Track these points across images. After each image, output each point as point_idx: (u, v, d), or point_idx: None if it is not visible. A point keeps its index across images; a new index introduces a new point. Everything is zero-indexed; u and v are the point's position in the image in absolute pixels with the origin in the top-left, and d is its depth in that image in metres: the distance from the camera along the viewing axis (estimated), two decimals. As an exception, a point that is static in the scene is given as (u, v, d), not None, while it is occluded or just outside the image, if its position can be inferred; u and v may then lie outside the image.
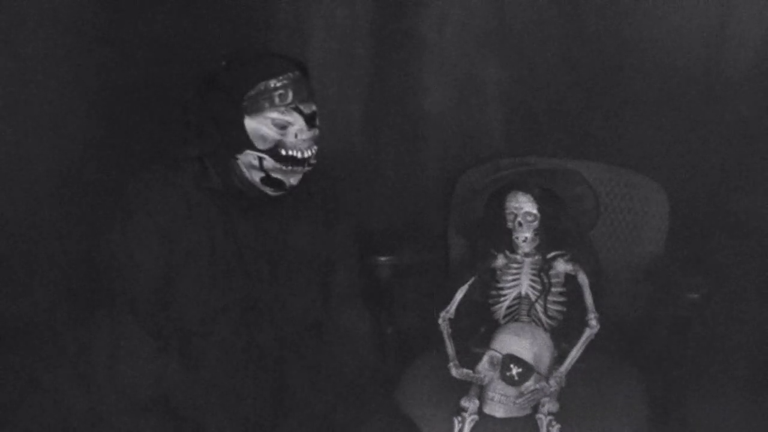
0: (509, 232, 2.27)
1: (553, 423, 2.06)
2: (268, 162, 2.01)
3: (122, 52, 2.58)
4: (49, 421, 2.58)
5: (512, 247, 2.28)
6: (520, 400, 2.08)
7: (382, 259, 2.46)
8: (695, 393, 2.39)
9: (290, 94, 2.00)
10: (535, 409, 2.09)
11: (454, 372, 2.15)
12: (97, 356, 2.06)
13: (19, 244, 2.53)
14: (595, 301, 2.16)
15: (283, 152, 2.00)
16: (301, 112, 2.01)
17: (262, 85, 1.99)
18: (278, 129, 2.00)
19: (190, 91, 2.08)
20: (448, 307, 2.25)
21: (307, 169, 2.04)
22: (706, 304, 2.26)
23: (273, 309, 2.09)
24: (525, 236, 2.25)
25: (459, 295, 2.26)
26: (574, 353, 2.13)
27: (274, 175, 2.02)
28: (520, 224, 2.25)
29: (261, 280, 2.08)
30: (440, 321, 2.24)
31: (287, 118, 2.00)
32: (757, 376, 2.65)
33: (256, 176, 2.03)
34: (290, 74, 2.01)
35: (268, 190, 2.04)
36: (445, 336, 2.22)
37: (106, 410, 2.04)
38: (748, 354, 2.66)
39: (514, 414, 2.09)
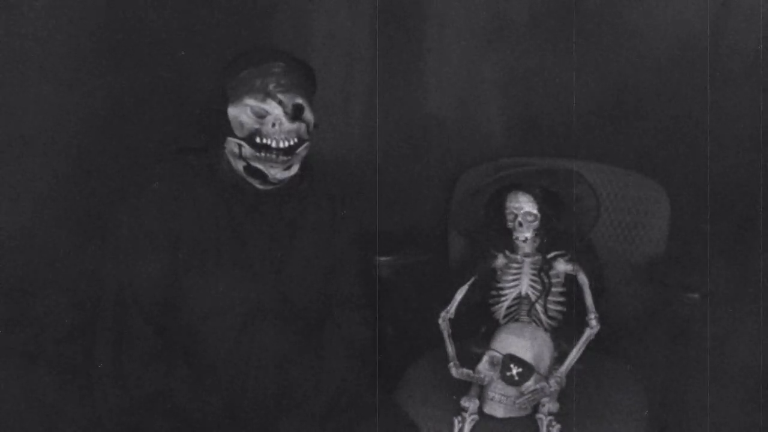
0: (509, 232, 2.27)
1: (553, 423, 2.06)
2: (246, 149, 2.02)
3: (124, 52, 2.58)
4: (52, 419, 2.58)
5: (512, 247, 2.28)
6: (520, 400, 2.08)
7: (382, 259, 2.46)
8: (695, 393, 2.39)
9: (270, 84, 2.03)
10: (535, 409, 2.09)
11: (454, 372, 2.15)
12: (102, 353, 2.06)
13: (23, 242, 2.53)
14: (595, 301, 2.16)
15: (258, 140, 2.02)
16: (280, 102, 2.02)
17: (244, 73, 2.03)
18: (256, 117, 2.03)
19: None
20: (448, 307, 2.25)
21: (289, 162, 2.04)
22: (706, 304, 2.27)
23: (277, 308, 2.09)
24: (525, 236, 2.25)
25: (459, 295, 2.26)
26: (574, 353, 2.13)
27: (253, 164, 2.03)
28: (520, 224, 2.25)
29: (265, 279, 2.08)
30: (440, 321, 2.24)
31: (265, 106, 2.02)
32: (756, 376, 2.65)
33: (239, 165, 2.05)
34: (274, 64, 2.04)
35: (254, 182, 2.05)
36: (445, 336, 2.22)
37: (110, 407, 2.04)
38: (747, 354, 2.66)
39: (514, 414, 2.09)
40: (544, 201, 2.25)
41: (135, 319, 2.03)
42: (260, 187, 2.06)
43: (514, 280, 2.27)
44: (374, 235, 2.55)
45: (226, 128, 2.04)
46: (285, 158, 2.03)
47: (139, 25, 2.59)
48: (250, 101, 2.02)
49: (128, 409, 2.02)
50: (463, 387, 2.14)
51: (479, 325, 2.29)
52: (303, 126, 2.06)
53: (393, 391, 2.26)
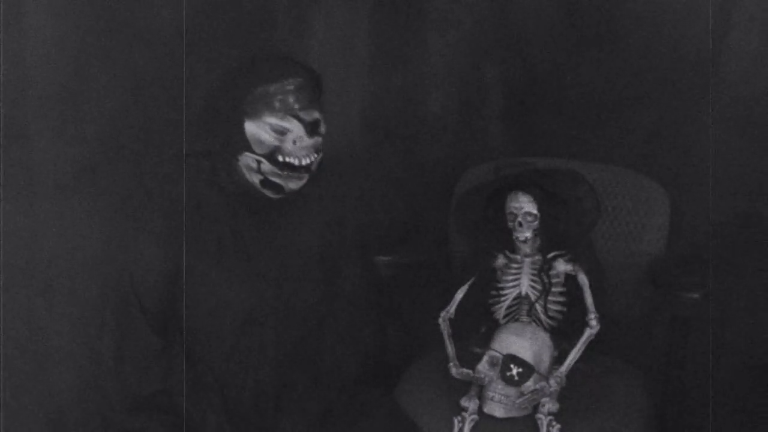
0: (509, 232, 2.27)
1: (553, 423, 2.06)
2: (266, 166, 2.00)
3: (125, 51, 2.58)
4: (52, 418, 2.58)
5: (512, 247, 2.28)
6: (520, 400, 2.08)
7: (383, 258, 2.46)
8: (695, 393, 2.39)
9: (290, 101, 1.99)
10: (535, 409, 2.09)
11: (454, 372, 2.15)
12: (103, 353, 2.07)
13: (24, 243, 2.53)
14: (595, 301, 2.16)
15: (280, 158, 2.00)
16: (301, 120, 2.00)
17: (262, 90, 1.98)
18: (276, 135, 2.00)
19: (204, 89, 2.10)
20: (448, 307, 2.25)
21: (306, 175, 2.03)
22: (706, 304, 2.26)
23: (278, 308, 2.09)
24: (525, 236, 2.25)
25: (459, 295, 2.26)
26: (574, 353, 2.13)
27: (271, 179, 2.02)
28: (520, 224, 2.25)
29: (267, 279, 2.08)
30: (440, 321, 2.24)
31: (286, 124, 1.99)
32: (757, 376, 2.65)
33: (255, 178, 2.03)
34: (292, 80, 2.00)
35: (268, 193, 2.04)
36: (445, 336, 2.22)
37: (110, 407, 2.04)
38: (748, 354, 2.66)
39: (514, 414, 2.09)
40: (544, 201, 2.25)
41: (136, 319, 2.03)
42: (273, 197, 2.05)
43: (514, 280, 2.27)
44: (374, 235, 2.56)
45: (242, 142, 2.03)
46: (305, 174, 2.02)
47: (139, 26, 2.59)
48: (271, 119, 1.99)
49: (128, 409, 2.02)
50: (463, 387, 2.14)
51: (479, 325, 2.29)
52: (320, 139, 2.05)
53: (393, 391, 2.27)
